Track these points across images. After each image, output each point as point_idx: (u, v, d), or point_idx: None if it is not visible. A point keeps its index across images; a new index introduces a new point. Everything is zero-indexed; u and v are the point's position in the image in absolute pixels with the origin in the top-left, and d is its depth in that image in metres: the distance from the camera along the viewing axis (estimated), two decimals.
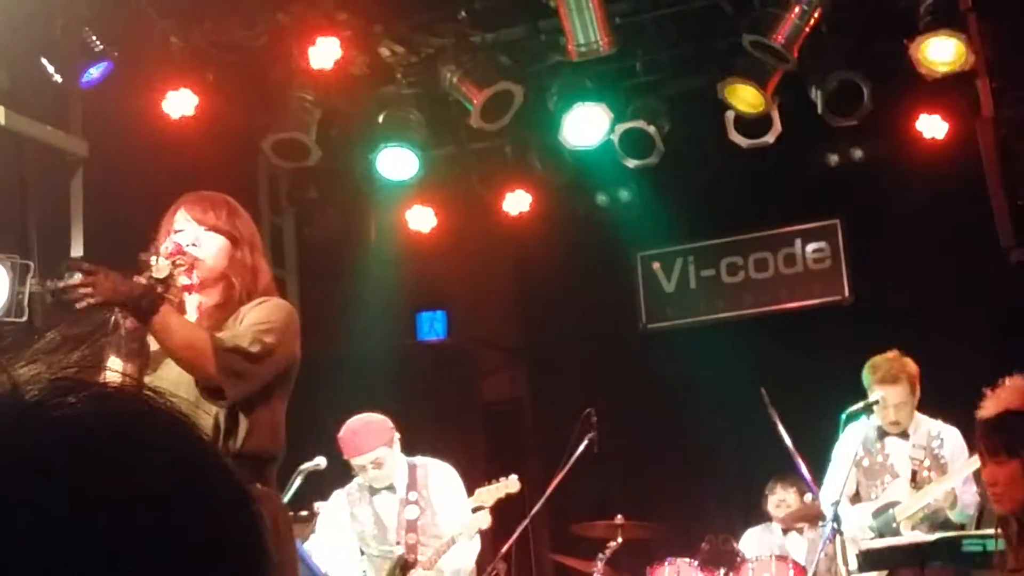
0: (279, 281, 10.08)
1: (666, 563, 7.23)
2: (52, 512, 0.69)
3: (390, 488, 6.77)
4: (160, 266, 3.96)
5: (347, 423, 6.77)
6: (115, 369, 3.79)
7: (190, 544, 0.74)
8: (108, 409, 0.76)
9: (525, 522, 7.18)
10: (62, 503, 0.70)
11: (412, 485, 6.75)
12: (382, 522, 6.76)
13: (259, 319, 4.04)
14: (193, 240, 4.08)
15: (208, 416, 3.92)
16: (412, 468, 6.80)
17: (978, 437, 4.34)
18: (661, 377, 9.73)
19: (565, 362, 10.22)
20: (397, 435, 6.75)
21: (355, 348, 9.81)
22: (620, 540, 7.48)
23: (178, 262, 3.99)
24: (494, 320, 10.72)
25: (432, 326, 10.63)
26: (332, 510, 6.95)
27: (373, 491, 6.80)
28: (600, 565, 7.43)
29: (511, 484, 6.74)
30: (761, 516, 8.29)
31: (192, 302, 4.16)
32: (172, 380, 3.97)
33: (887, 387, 6.70)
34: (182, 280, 4.03)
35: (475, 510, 6.67)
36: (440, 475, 6.82)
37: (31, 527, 0.68)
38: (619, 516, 7.55)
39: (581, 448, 7.41)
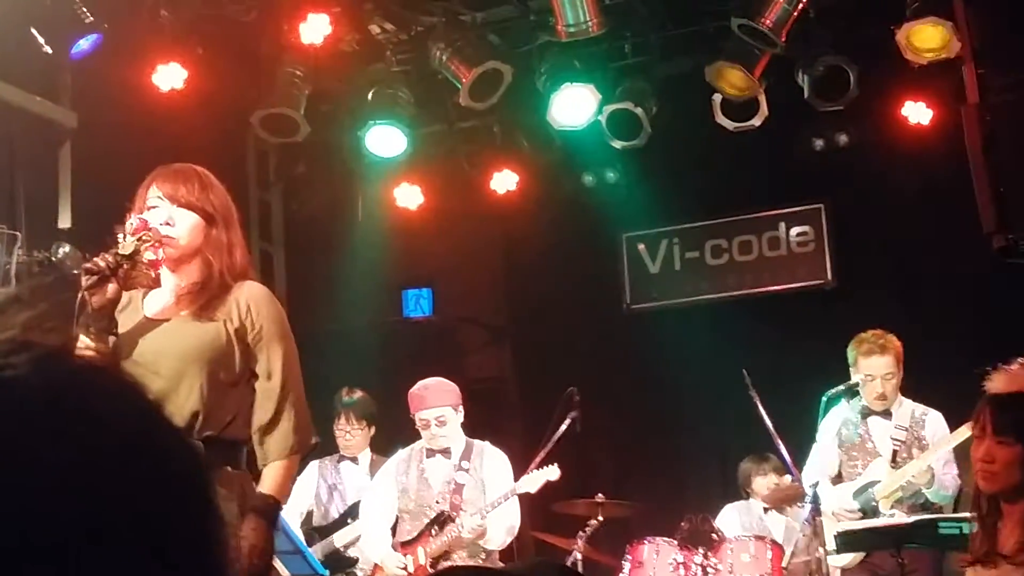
0: (267, 256, 10.15)
1: (646, 542, 7.27)
2: None
3: (445, 452, 6.97)
4: (126, 243, 3.93)
5: (420, 381, 7.05)
6: (84, 347, 3.86)
7: (134, 508, 0.72)
8: (50, 371, 0.75)
9: (507, 498, 7.22)
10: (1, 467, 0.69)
11: (467, 456, 6.98)
12: (427, 482, 6.96)
13: (280, 356, 4.12)
14: (167, 219, 4.05)
15: (192, 394, 3.96)
16: (470, 444, 7.04)
17: (982, 411, 4.23)
18: (644, 357, 9.78)
19: (549, 341, 10.25)
20: (462, 408, 6.99)
21: (341, 324, 9.84)
22: (601, 518, 7.51)
23: (143, 238, 3.95)
24: (479, 298, 10.74)
25: (418, 303, 10.66)
26: (385, 467, 7.22)
27: (429, 453, 6.99)
28: (580, 543, 7.46)
29: (551, 472, 6.91)
30: (739, 494, 8.34)
31: (170, 281, 4.15)
32: (152, 354, 4.01)
33: (873, 358, 6.76)
34: (148, 256, 3.99)
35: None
36: (495, 456, 7.06)
37: None
38: (600, 495, 7.58)
39: (563, 427, 7.45)
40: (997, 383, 4.31)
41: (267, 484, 4.06)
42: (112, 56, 7.74)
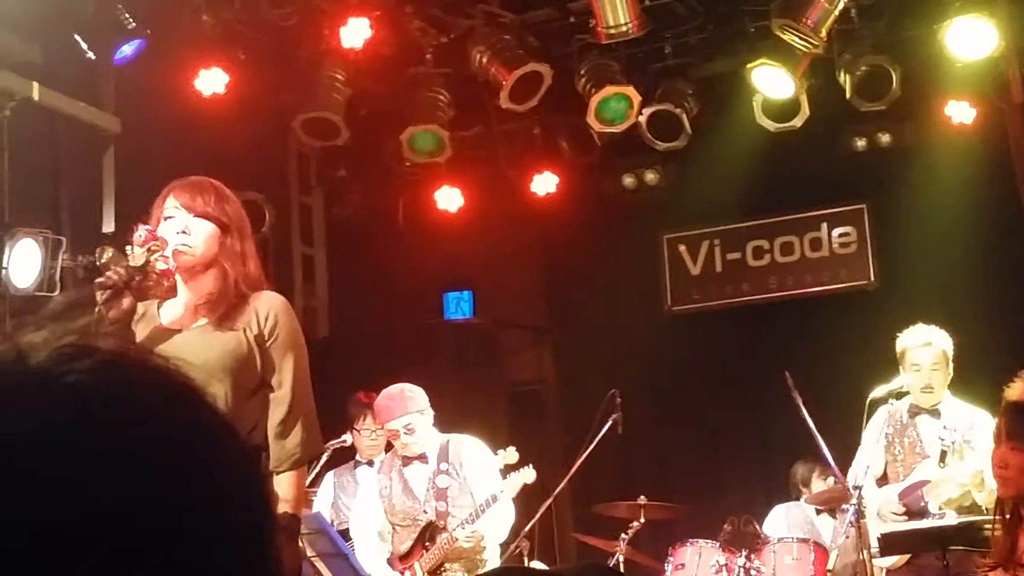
0: (308, 259, 10.19)
1: (688, 544, 7.25)
2: (56, 478, 0.69)
3: (421, 458, 6.82)
4: (135, 255, 3.97)
5: (383, 391, 6.86)
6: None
7: (196, 507, 0.74)
8: (113, 375, 0.76)
9: (548, 501, 7.23)
10: (66, 470, 0.69)
11: (444, 457, 6.81)
12: (411, 491, 6.82)
13: (291, 366, 4.15)
14: (183, 228, 4.09)
15: (216, 403, 3.97)
16: (445, 442, 6.86)
17: (1000, 416, 4.34)
18: (685, 359, 9.75)
19: (590, 343, 10.24)
20: (430, 409, 6.81)
21: (382, 327, 9.87)
22: (642, 520, 7.51)
23: (152, 248, 3.98)
24: (520, 300, 10.74)
25: (458, 306, 10.68)
26: (366, 481, 7.12)
27: (405, 461, 6.85)
28: (622, 545, 7.46)
29: (526, 475, 6.79)
30: (785, 496, 8.29)
31: (185, 291, 4.18)
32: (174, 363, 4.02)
33: (920, 348, 6.70)
34: (159, 266, 4.03)
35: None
36: (472, 449, 6.87)
37: (35, 494, 0.68)
38: (642, 497, 7.57)
39: (605, 429, 7.44)
40: (1015, 390, 4.39)
41: (285, 501, 4.10)
42: (155, 61, 7.79)
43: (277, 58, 8.66)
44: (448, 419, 7.15)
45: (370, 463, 7.73)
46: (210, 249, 4.12)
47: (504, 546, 6.97)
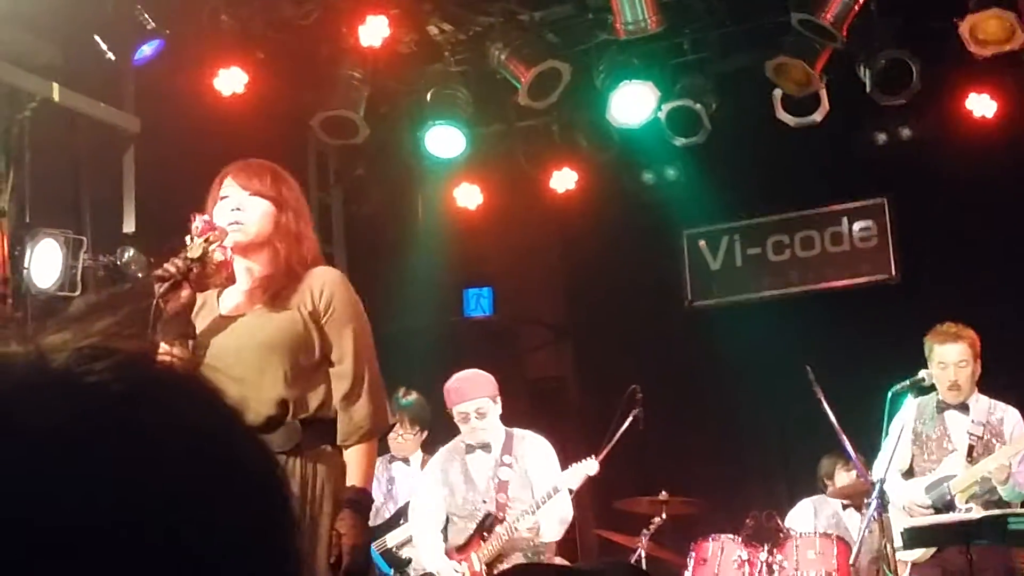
0: (327, 257, 10.18)
1: (710, 539, 7.24)
2: (75, 480, 0.69)
3: (485, 447, 6.82)
4: (193, 245, 3.96)
5: (456, 375, 6.91)
6: (165, 353, 3.90)
7: (213, 504, 0.74)
8: (132, 377, 0.76)
9: (551, 495, 7.22)
10: (85, 471, 0.70)
11: (508, 449, 6.82)
12: (472, 480, 6.82)
13: (351, 338, 4.13)
14: (237, 205, 4.09)
15: (277, 383, 3.99)
16: (510, 435, 6.88)
17: None
18: (706, 355, 9.74)
19: (610, 339, 10.23)
20: (499, 399, 6.84)
21: (402, 324, 9.87)
22: (664, 516, 7.50)
23: (210, 238, 3.98)
24: (540, 297, 10.75)
25: (478, 303, 10.68)
26: (428, 468, 7.12)
27: (469, 449, 6.86)
28: (644, 541, 7.46)
29: (589, 466, 6.81)
30: (809, 490, 8.26)
31: (241, 269, 4.16)
32: (233, 351, 4.04)
33: (947, 345, 6.68)
34: (217, 256, 4.02)
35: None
36: (537, 445, 6.89)
37: (55, 495, 0.68)
38: (663, 492, 7.56)
39: (626, 425, 7.44)
40: None
41: (353, 475, 4.07)
42: (174, 61, 7.81)
43: (296, 57, 8.67)
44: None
45: (406, 461, 7.74)
46: (264, 227, 4.11)
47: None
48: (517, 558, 6.65)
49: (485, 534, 6.71)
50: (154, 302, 3.90)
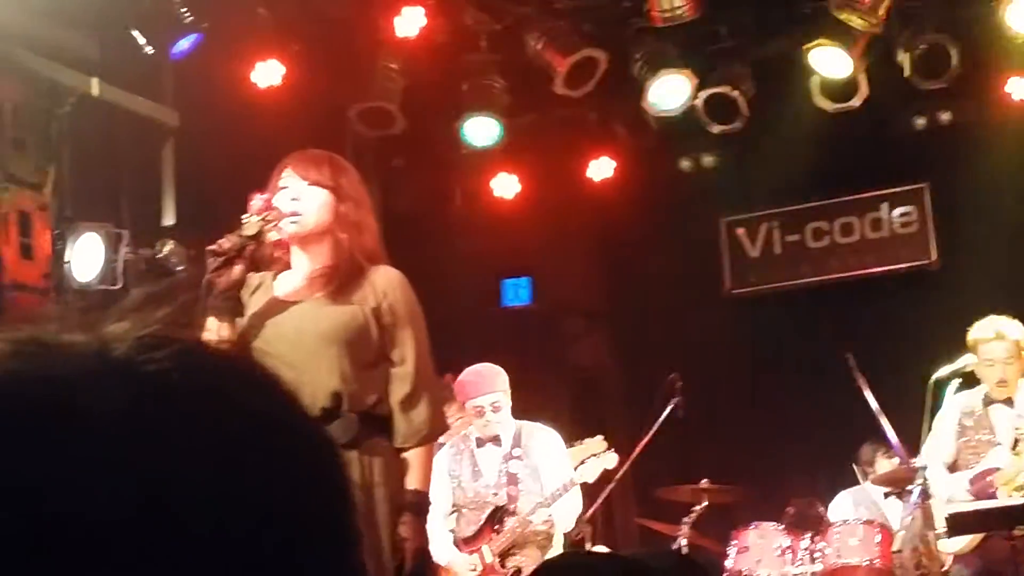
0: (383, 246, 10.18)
1: (751, 527, 7.23)
2: (135, 466, 0.70)
3: (495, 440, 6.78)
4: (249, 223, 3.97)
5: (468, 369, 6.86)
6: (213, 331, 3.91)
7: (274, 494, 0.74)
8: (192, 364, 0.77)
9: (610, 486, 7.22)
10: (145, 457, 0.70)
11: (516, 442, 6.77)
12: (481, 474, 6.78)
13: (412, 341, 4.15)
14: (295, 195, 4.08)
15: (333, 375, 3.98)
16: (519, 428, 6.82)
17: None
18: (745, 342, 9.72)
19: (649, 327, 10.22)
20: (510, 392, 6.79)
21: (440, 315, 9.80)
22: (705, 504, 7.49)
23: (267, 218, 3.99)
24: (579, 286, 10.73)
25: (517, 292, 10.68)
26: (435, 461, 7.03)
27: (479, 442, 6.82)
28: (685, 529, 7.45)
29: (608, 460, 6.76)
30: (849, 479, 8.23)
31: (301, 262, 4.17)
32: (291, 338, 4.02)
33: (993, 343, 6.62)
34: (272, 236, 4.04)
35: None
36: (545, 437, 6.84)
37: (115, 480, 0.69)
38: (704, 480, 7.55)
39: (665, 413, 7.43)
40: None
41: (412, 477, 4.08)
42: (211, 55, 7.84)
43: (333, 49, 8.68)
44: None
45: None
46: (323, 217, 4.10)
47: (566, 534, 6.95)
48: (531, 550, 6.62)
49: (496, 526, 6.67)
50: (205, 278, 3.93)
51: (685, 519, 7.48)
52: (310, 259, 4.15)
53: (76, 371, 0.73)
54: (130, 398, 0.72)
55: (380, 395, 4.07)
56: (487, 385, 6.73)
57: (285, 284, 4.19)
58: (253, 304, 4.09)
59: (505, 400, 6.75)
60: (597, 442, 6.78)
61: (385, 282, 4.13)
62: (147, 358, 0.74)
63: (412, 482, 4.07)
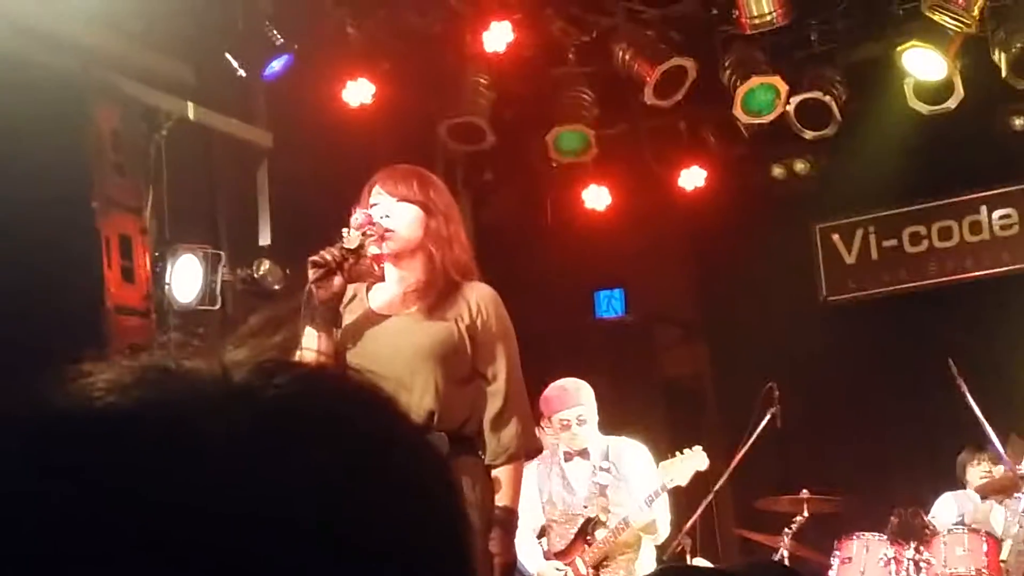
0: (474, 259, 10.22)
1: (854, 537, 7.13)
2: (259, 493, 0.71)
3: (583, 454, 6.76)
4: (350, 237, 4.03)
5: (553, 383, 6.84)
6: (311, 342, 3.97)
7: (395, 519, 0.75)
8: (312, 389, 0.78)
9: (709, 497, 7.17)
10: (269, 484, 0.71)
11: (605, 456, 6.76)
12: (571, 486, 6.77)
13: (505, 358, 4.17)
14: (386, 212, 4.11)
15: (427, 392, 4.01)
16: (607, 442, 6.81)
17: None
18: (843, 349, 9.59)
19: (745, 336, 10.14)
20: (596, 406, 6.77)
21: (533, 328, 9.83)
22: (806, 514, 7.41)
23: (367, 232, 4.03)
24: (672, 296, 10.68)
25: (610, 304, 10.66)
26: (526, 479, 7.05)
27: (567, 456, 6.81)
28: (786, 540, 7.37)
29: (698, 460, 6.70)
30: (952, 485, 8.10)
31: (393, 277, 4.20)
32: (386, 354, 4.06)
33: None
34: (372, 250, 4.08)
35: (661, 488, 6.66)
36: (632, 450, 6.81)
37: (241, 508, 0.70)
38: (804, 490, 7.47)
39: (763, 423, 7.36)
40: None
41: (502, 494, 4.10)
42: (302, 75, 7.93)
43: (422, 66, 8.74)
44: (604, 418, 7.12)
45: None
46: (414, 232, 4.14)
47: (662, 547, 6.90)
48: (623, 561, 6.59)
49: (588, 538, 6.65)
50: (307, 287, 3.99)
51: (786, 530, 7.41)
52: (403, 274, 4.19)
53: (199, 397, 0.74)
54: (252, 424, 0.73)
55: (471, 413, 4.10)
56: (572, 399, 6.71)
57: (379, 297, 4.23)
58: (348, 316, 4.15)
59: (590, 413, 6.72)
60: (697, 453, 6.73)
61: (479, 298, 4.16)
62: (267, 384, 0.76)
63: (501, 499, 4.09)
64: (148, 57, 7.11)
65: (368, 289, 4.24)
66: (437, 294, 4.14)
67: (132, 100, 6.97)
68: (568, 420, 6.69)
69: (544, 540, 6.85)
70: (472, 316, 4.12)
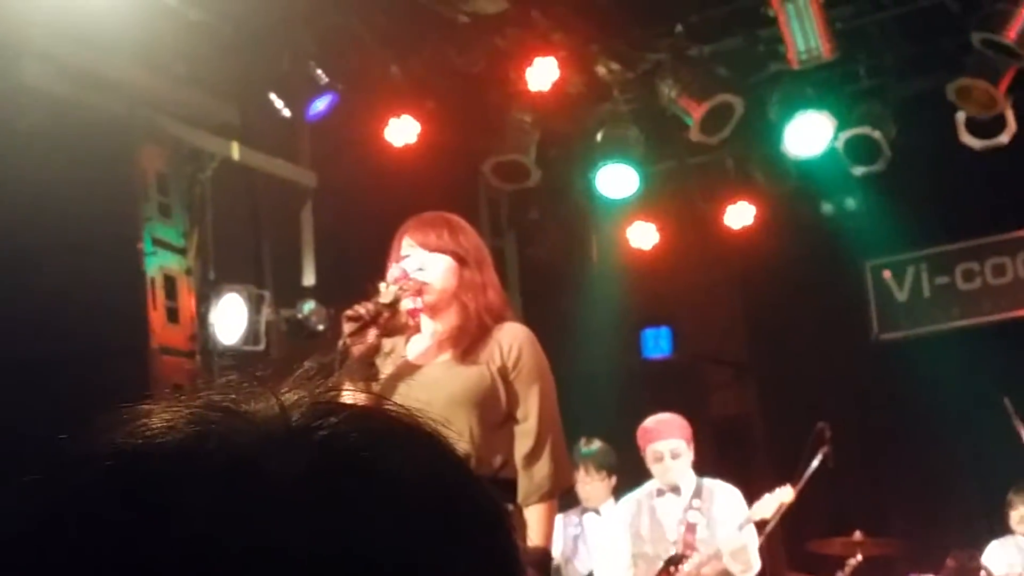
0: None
1: None
2: (319, 531, 0.72)
3: (675, 490, 6.82)
4: (386, 292, 4.06)
5: (652, 416, 7.01)
6: (347, 396, 3.94)
7: (452, 563, 0.76)
8: (368, 428, 0.80)
9: (760, 540, 7.06)
10: (328, 522, 0.73)
11: (697, 495, 6.83)
12: (660, 523, 6.83)
13: (537, 397, 4.15)
14: (419, 265, 4.14)
15: (462, 437, 3.96)
16: (700, 482, 6.89)
17: None
18: (896, 389, 9.46)
19: (794, 376, 10.02)
20: (692, 445, 6.87)
21: (580, 367, 9.79)
22: (860, 557, 7.29)
23: (404, 287, 4.07)
24: (720, 335, 10.59)
25: (657, 343, 10.58)
26: (616, 511, 7.14)
27: (659, 493, 6.87)
28: None
29: (784, 494, 6.75)
30: (1006, 530, 7.95)
31: (429, 327, 4.23)
32: (422, 402, 4.01)
33: None
34: (406, 304, 4.09)
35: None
36: (727, 494, 6.87)
37: (301, 546, 0.71)
38: (857, 532, 7.37)
39: (815, 464, 7.25)
40: None
41: (534, 534, 4.07)
42: (347, 115, 7.93)
43: (466, 104, 8.73)
44: None
45: (596, 511, 7.68)
46: (448, 283, 4.16)
47: None
48: None
49: (672, 569, 6.70)
50: (341, 342, 3.97)
51: (839, 573, 7.29)
52: (438, 323, 4.22)
53: (259, 437, 0.76)
54: (310, 463, 0.75)
55: (506, 456, 4.10)
56: (667, 432, 6.82)
57: (414, 348, 4.27)
58: (384, 368, 4.18)
59: (684, 449, 6.81)
60: (784, 489, 6.77)
61: (511, 339, 4.17)
62: (323, 424, 0.78)
63: (533, 538, 4.07)
64: (193, 98, 7.13)
65: (406, 341, 4.26)
66: (470, 339, 4.16)
67: (177, 141, 6.99)
68: (661, 452, 6.79)
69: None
70: (503, 357, 4.14)
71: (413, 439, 0.82)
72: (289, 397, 0.80)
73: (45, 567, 0.72)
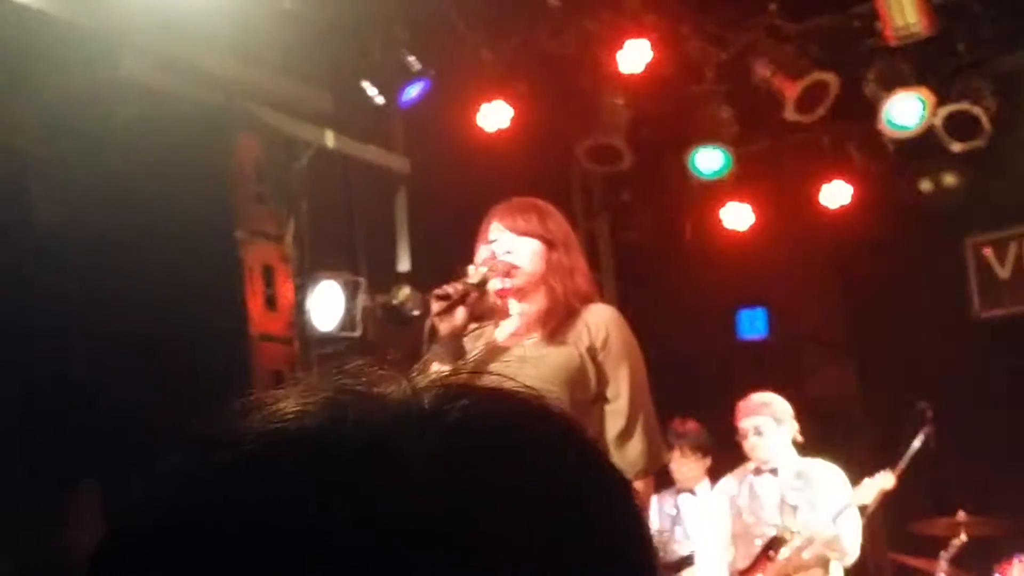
0: (596, 285, 10.20)
1: (1016, 560, 6.90)
2: (451, 509, 0.74)
3: (774, 471, 6.84)
4: (475, 273, 4.11)
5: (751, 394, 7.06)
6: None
7: (592, 539, 0.78)
8: (499, 410, 0.82)
9: (862, 521, 7.00)
10: (460, 500, 0.74)
11: (798, 475, 6.82)
12: (759, 502, 6.85)
13: (627, 375, 4.16)
14: (507, 248, 4.18)
15: None
16: (800, 462, 6.88)
17: None
18: (998, 367, 9.30)
19: (893, 355, 9.89)
20: (792, 423, 6.87)
21: (676, 349, 9.76)
22: (964, 538, 7.19)
23: (492, 268, 4.12)
24: (816, 315, 10.49)
25: (753, 324, 10.51)
26: (716, 490, 7.17)
27: (757, 472, 6.89)
28: (944, 564, 7.16)
29: (885, 480, 6.80)
30: None
31: (516, 310, 4.25)
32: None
33: None
34: (494, 284, 4.13)
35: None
36: (827, 474, 6.84)
37: (434, 525, 0.73)
38: (961, 512, 7.26)
39: (917, 444, 7.17)
40: None
41: None
42: (439, 101, 7.95)
43: (557, 87, 8.71)
44: None
45: (692, 492, 7.69)
46: (536, 266, 4.19)
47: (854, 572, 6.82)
48: None
49: (771, 553, 6.68)
50: (428, 321, 4.01)
51: (943, 554, 7.20)
52: (526, 306, 4.25)
53: (392, 418, 0.78)
54: (441, 442, 0.77)
55: (596, 435, 4.06)
56: (754, 409, 6.86)
57: (503, 331, 4.30)
58: (474, 350, 4.20)
59: (770, 426, 6.82)
60: (885, 474, 6.83)
61: (598, 319, 4.19)
62: (453, 406, 0.80)
63: None
64: (288, 87, 7.20)
65: (496, 325, 4.29)
66: (558, 321, 4.18)
67: (273, 130, 7.07)
68: (746, 430, 6.85)
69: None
70: (592, 337, 4.15)
71: (543, 419, 0.84)
72: (419, 380, 0.82)
73: (194, 553, 0.73)
